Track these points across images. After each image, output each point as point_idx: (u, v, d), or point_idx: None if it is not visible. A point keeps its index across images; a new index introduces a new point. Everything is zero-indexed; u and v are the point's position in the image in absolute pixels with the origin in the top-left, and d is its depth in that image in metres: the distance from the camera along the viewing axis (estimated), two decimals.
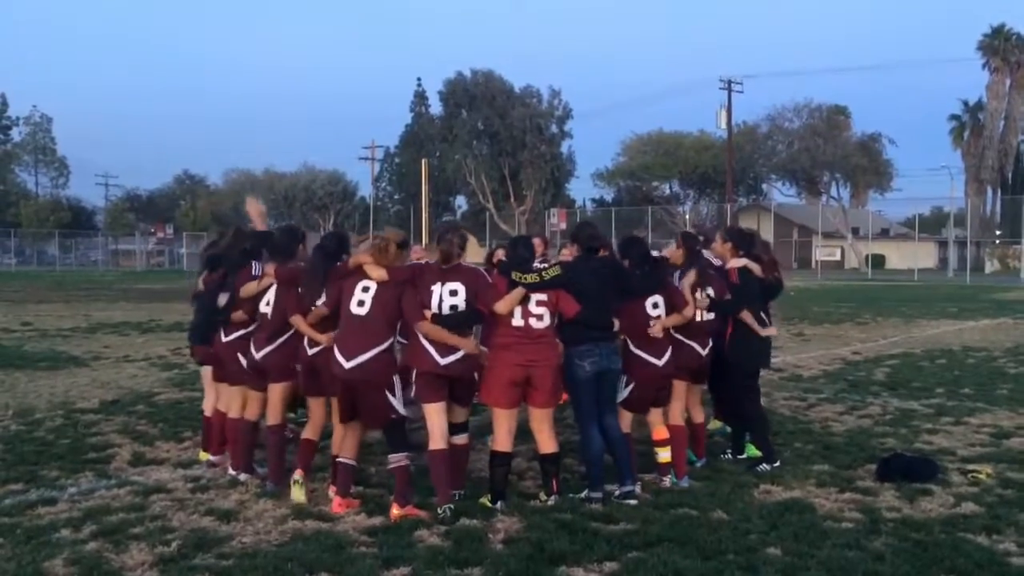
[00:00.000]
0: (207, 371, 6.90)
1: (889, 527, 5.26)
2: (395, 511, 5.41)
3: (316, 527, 5.29)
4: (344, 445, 5.72)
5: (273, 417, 6.14)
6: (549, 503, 5.67)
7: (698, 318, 6.34)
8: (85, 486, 6.15)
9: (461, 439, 5.88)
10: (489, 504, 5.59)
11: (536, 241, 7.11)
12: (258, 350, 6.09)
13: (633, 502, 5.71)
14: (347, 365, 5.49)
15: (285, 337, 6.03)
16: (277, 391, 6.10)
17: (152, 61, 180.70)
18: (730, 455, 7.00)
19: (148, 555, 4.77)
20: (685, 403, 6.48)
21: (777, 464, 6.57)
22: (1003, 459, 6.84)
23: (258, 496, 5.88)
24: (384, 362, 5.53)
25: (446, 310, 5.62)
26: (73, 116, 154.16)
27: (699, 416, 6.78)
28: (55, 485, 6.16)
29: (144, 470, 6.61)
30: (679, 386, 6.34)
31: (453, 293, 5.63)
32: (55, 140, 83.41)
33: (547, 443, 5.78)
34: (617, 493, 5.79)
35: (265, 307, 6.12)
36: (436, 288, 5.63)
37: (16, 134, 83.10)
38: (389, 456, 5.62)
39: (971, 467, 6.54)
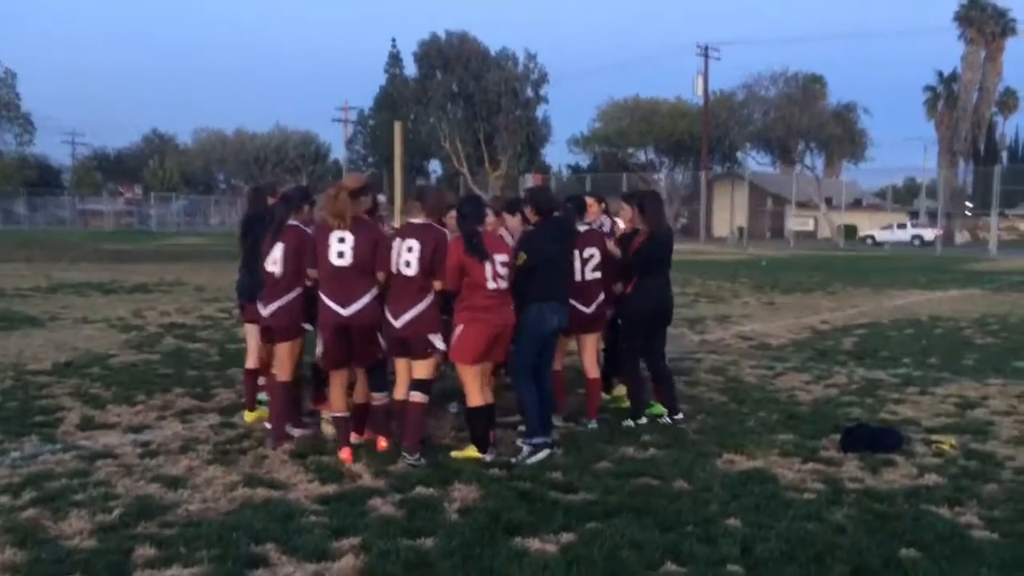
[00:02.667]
0: (252, 329, 6.85)
1: (851, 498, 5.19)
2: (362, 437, 6.11)
3: (267, 495, 5.13)
4: (334, 399, 5.99)
5: (283, 373, 6.24)
6: (488, 458, 5.85)
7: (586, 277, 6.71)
8: (29, 450, 5.94)
9: (416, 396, 5.90)
10: (478, 454, 5.84)
11: (591, 201, 7.31)
12: (265, 308, 6.20)
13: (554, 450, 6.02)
14: (345, 313, 5.76)
15: (291, 296, 6.14)
16: (284, 349, 6.24)
17: (121, 16, 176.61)
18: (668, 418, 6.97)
19: (87, 523, 4.58)
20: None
21: (643, 421, 6.84)
22: (967, 430, 6.81)
23: (208, 463, 5.71)
24: (376, 307, 5.84)
25: (401, 266, 5.77)
26: (38, 72, 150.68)
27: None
28: None
29: (92, 434, 6.41)
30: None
31: (409, 250, 5.78)
32: (20, 96, 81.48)
33: (489, 395, 6.08)
34: (538, 441, 5.97)
35: (272, 266, 6.17)
36: (396, 244, 5.86)
37: None
38: (371, 393, 6.10)
39: (935, 438, 6.50)
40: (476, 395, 5.91)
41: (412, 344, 5.84)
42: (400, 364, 5.99)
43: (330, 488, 5.27)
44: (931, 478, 5.58)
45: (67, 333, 11.25)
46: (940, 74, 65.24)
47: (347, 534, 4.51)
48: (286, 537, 4.44)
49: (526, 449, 5.93)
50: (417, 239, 5.77)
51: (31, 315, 12.91)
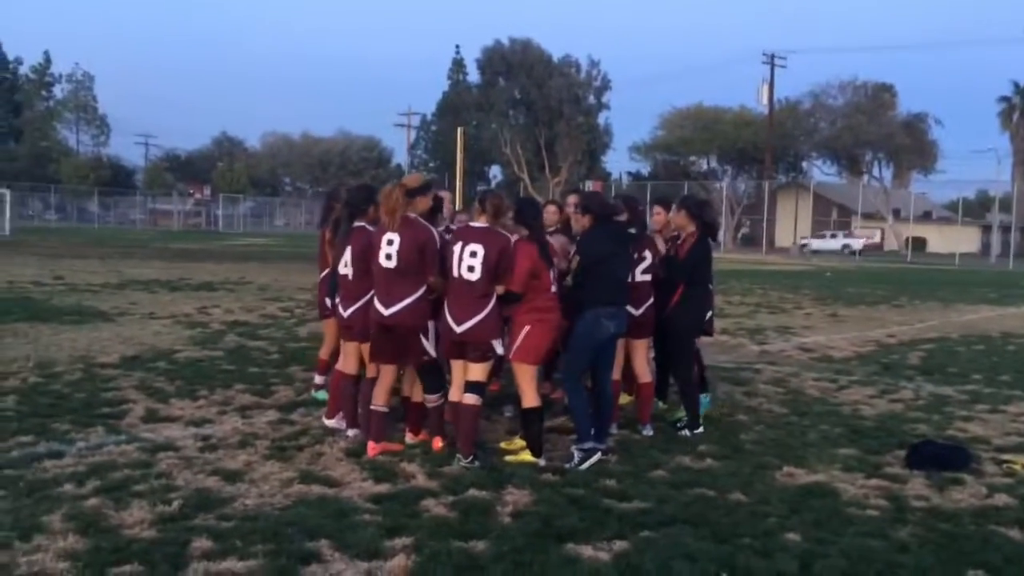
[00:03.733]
0: (330, 323, 7.11)
1: (916, 516, 5.02)
2: (417, 438, 6.22)
3: (322, 492, 5.17)
4: (377, 392, 6.04)
5: (348, 367, 6.42)
6: (541, 462, 5.83)
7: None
8: (94, 441, 6.08)
9: (470, 399, 5.89)
10: (532, 458, 5.83)
11: (551, 208, 7.33)
12: (344, 310, 6.32)
13: (608, 457, 5.97)
14: (386, 313, 5.87)
15: (368, 298, 6.18)
16: (352, 344, 6.40)
17: (194, 21, 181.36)
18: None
19: (148, 513, 4.67)
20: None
21: (700, 431, 6.74)
22: None
23: (266, 458, 5.78)
24: (418, 309, 5.89)
25: (463, 271, 5.75)
26: (114, 75, 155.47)
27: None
28: (64, 439, 6.10)
29: (155, 427, 6.54)
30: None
31: (472, 255, 5.75)
32: (96, 98, 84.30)
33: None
34: (588, 446, 5.89)
35: (344, 268, 6.30)
36: (456, 248, 5.85)
37: (58, 91, 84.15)
38: (425, 395, 6.15)
39: (1006, 457, 6.26)
40: (532, 396, 5.89)
41: (470, 348, 5.82)
42: (456, 366, 5.98)
43: (384, 487, 5.29)
44: (1001, 498, 5.38)
45: (135, 328, 11.54)
46: (1016, 84, 63.37)
47: (400, 533, 4.51)
48: (339, 534, 4.46)
49: (577, 455, 5.85)
50: (481, 244, 5.72)
51: (101, 310, 13.27)
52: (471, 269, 5.71)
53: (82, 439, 6.11)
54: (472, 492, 5.19)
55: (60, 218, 69.55)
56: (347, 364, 6.45)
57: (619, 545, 4.47)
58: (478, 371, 5.85)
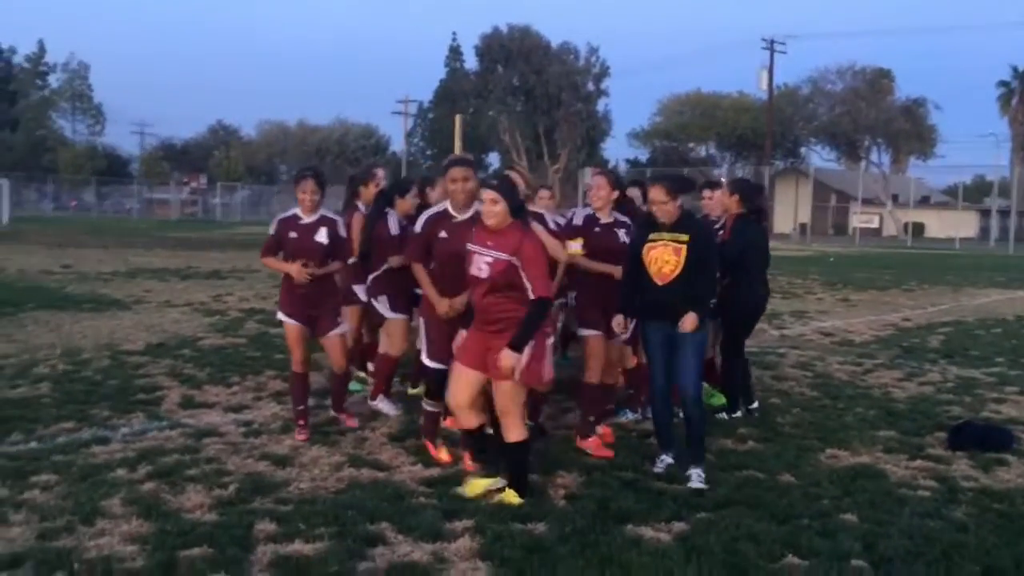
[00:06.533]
0: (353, 311, 7.18)
1: (968, 496, 5.04)
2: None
3: (372, 476, 5.17)
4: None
5: (395, 349, 6.55)
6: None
7: None
8: (137, 427, 6.07)
9: None
10: (517, 500, 4.77)
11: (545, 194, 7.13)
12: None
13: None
14: None
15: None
16: (398, 325, 6.52)
17: (188, 9, 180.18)
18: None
19: (206, 497, 4.67)
20: None
21: (738, 414, 6.72)
22: None
23: (310, 443, 5.78)
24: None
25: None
26: (108, 64, 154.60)
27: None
28: (106, 425, 6.09)
29: (194, 413, 6.53)
30: None
31: None
32: (92, 87, 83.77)
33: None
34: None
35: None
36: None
37: (54, 80, 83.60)
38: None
39: None
40: (522, 427, 4.88)
41: None
42: None
43: (433, 471, 5.29)
44: None
45: (154, 316, 11.50)
46: (1015, 69, 63.35)
47: (458, 516, 4.51)
48: (399, 517, 4.46)
49: (698, 477, 5.18)
50: None
51: (116, 298, 13.22)
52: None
53: (124, 425, 6.10)
54: None
55: (56, 207, 69.20)
56: (393, 346, 6.51)
57: (678, 526, 4.48)
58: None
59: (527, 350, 4.67)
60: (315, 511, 4.51)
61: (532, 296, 4.69)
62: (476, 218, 5.09)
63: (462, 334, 5.20)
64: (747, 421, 6.67)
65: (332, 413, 6.42)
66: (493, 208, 4.74)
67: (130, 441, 5.70)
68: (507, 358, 4.62)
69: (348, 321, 7.42)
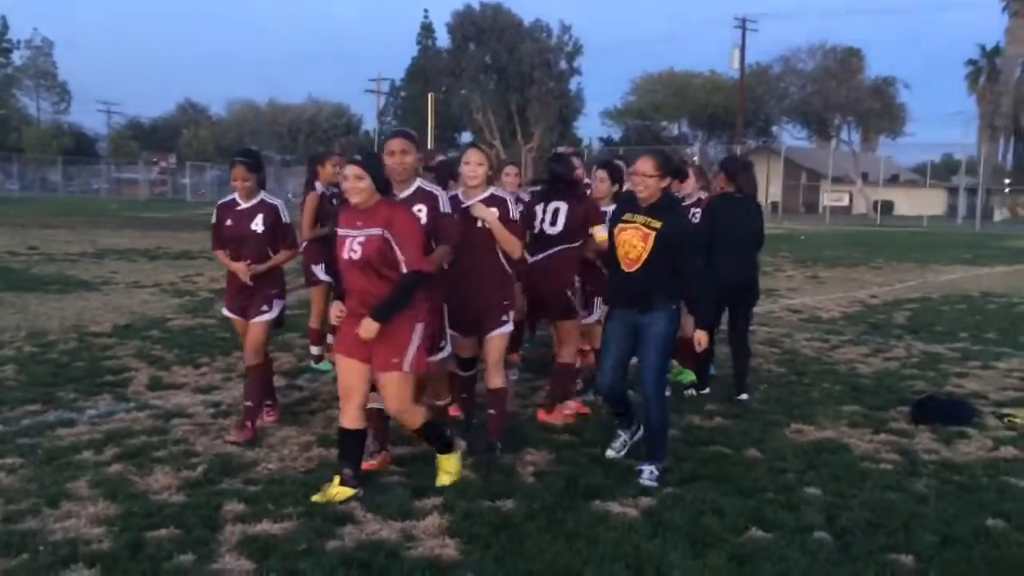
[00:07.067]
0: (317, 291, 7.37)
1: (929, 469, 5.15)
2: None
3: None
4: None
5: None
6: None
7: None
8: (104, 408, 6.03)
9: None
10: (351, 491, 4.53)
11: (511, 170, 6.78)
12: None
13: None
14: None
15: None
16: None
17: None
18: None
19: (174, 478, 4.66)
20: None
21: (707, 391, 6.76)
22: None
23: (280, 423, 5.77)
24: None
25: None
26: (73, 41, 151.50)
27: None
28: (73, 407, 6.04)
29: (162, 394, 6.49)
30: None
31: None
32: (56, 65, 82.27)
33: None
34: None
35: None
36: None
37: (17, 58, 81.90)
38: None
39: (1006, 411, 6.41)
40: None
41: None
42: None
43: (403, 450, 5.30)
44: (1008, 451, 5.52)
45: (122, 297, 11.38)
46: (983, 48, 64.00)
47: (427, 495, 4.53)
48: (368, 496, 4.47)
49: (652, 472, 4.88)
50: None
51: (83, 279, 13.07)
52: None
53: (91, 407, 6.05)
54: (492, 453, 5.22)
55: (22, 187, 68.01)
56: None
57: (645, 501, 4.53)
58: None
59: (415, 338, 4.46)
60: (284, 491, 4.51)
61: (404, 269, 4.41)
62: (418, 195, 4.85)
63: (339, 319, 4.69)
64: (715, 398, 6.73)
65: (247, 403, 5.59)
66: (358, 184, 4.40)
67: (97, 423, 5.66)
68: (366, 328, 4.36)
69: (313, 303, 7.41)
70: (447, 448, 4.81)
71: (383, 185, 4.53)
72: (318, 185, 7.24)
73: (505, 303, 5.27)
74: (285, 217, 5.68)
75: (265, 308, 5.60)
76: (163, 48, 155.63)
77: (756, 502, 4.55)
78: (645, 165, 4.92)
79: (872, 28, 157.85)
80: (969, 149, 58.20)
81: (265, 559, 3.74)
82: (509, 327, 5.33)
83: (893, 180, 66.19)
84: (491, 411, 5.35)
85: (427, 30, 77.33)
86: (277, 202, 5.69)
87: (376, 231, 4.40)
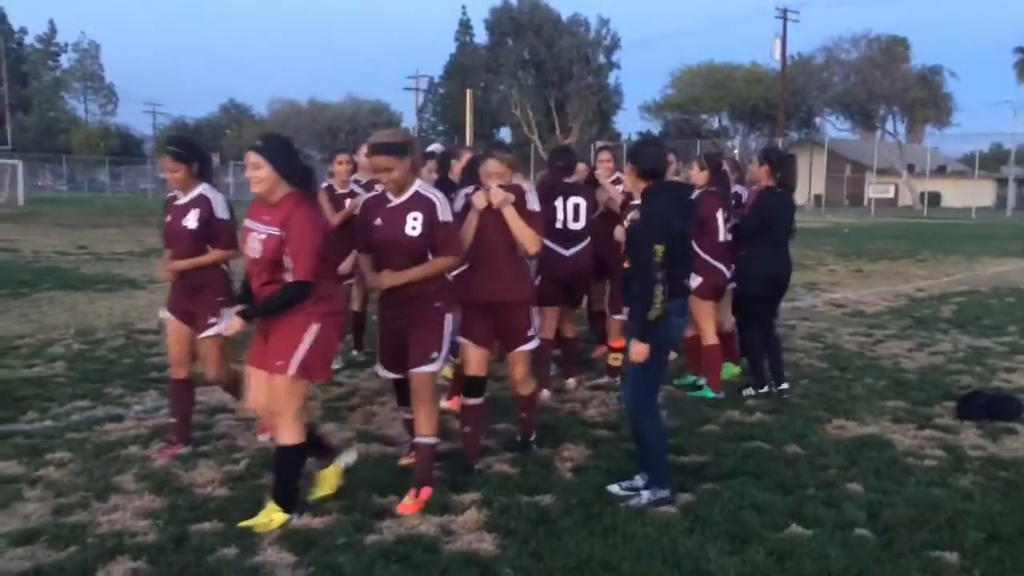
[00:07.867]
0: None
1: (974, 466, 5.05)
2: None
3: (382, 451, 5.23)
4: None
5: None
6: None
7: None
8: (150, 404, 6.16)
9: None
10: (284, 516, 4.16)
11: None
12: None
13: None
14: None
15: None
16: None
17: None
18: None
19: (217, 472, 4.75)
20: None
21: (765, 390, 6.59)
22: None
23: (321, 419, 5.84)
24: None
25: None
26: (119, 43, 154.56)
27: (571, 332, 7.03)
28: (120, 403, 6.18)
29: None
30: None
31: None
32: (103, 67, 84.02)
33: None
34: (664, 495, 4.48)
35: None
36: None
37: (65, 61, 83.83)
38: None
39: None
40: (299, 429, 4.25)
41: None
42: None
43: (441, 446, 5.32)
44: None
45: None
46: None
47: (466, 490, 4.56)
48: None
49: (645, 496, 4.46)
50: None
51: (130, 278, 13.33)
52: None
53: (137, 403, 6.19)
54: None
55: (71, 188, 69.52)
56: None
57: (684, 497, 4.51)
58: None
59: (306, 340, 4.05)
60: None
61: (291, 278, 4.00)
62: (413, 201, 4.36)
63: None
64: (756, 394, 6.65)
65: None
66: (256, 174, 4.02)
67: (143, 418, 5.78)
68: (232, 325, 4.18)
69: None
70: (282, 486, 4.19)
71: (293, 175, 4.09)
72: (330, 182, 7.45)
73: (527, 321, 4.94)
74: (221, 213, 5.01)
75: (213, 320, 5.05)
76: (207, 50, 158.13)
77: (796, 498, 4.51)
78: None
79: (918, 16, 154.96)
80: (1019, 138, 56.79)
81: (306, 552, 3.80)
82: (534, 343, 5.03)
83: (940, 171, 64.91)
84: (523, 415, 5.31)
85: (465, 27, 77.61)
86: (214, 196, 5.01)
87: (275, 230, 4.02)
